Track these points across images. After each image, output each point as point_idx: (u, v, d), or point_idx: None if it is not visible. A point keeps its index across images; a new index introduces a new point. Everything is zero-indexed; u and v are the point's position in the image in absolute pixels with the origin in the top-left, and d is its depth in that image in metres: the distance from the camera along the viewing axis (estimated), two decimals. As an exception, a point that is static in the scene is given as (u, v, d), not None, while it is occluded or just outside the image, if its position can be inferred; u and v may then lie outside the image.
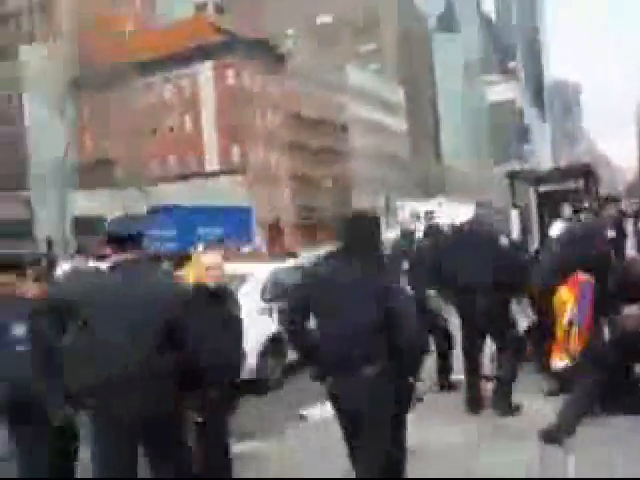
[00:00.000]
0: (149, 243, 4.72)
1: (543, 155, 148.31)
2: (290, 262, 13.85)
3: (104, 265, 3.87)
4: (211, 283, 4.84)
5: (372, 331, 3.92)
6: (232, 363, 4.89)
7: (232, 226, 19.61)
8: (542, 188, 20.63)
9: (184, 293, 3.95)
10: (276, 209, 54.79)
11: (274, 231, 46.47)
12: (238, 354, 5.01)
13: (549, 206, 13.83)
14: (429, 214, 16.79)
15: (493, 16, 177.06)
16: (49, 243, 37.23)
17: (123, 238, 3.70)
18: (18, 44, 44.98)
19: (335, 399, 4.16)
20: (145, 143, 59.81)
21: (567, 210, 10.29)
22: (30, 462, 4.42)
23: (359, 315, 3.95)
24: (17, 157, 43.97)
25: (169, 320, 3.60)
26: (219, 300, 4.90)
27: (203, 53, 61.70)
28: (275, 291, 10.31)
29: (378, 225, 4.38)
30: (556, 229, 8.46)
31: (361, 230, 4.18)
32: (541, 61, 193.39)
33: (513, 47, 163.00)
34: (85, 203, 42.76)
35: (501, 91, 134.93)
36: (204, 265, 4.89)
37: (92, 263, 9.12)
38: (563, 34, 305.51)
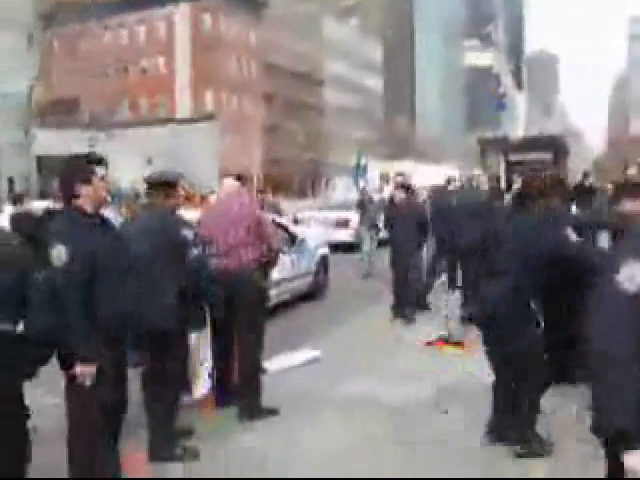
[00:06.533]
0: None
1: (517, 124, 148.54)
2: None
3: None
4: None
5: None
6: None
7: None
8: (512, 157, 20.69)
9: None
10: (245, 160, 54.08)
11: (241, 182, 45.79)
12: None
13: (518, 175, 13.70)
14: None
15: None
16: (10, 181, 36.36)
17: None
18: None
19: None
20: (115, 83, 58.46)
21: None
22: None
23: None
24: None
25: None
26: None
27: (180, -6, 60.21)
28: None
29: None
30: None
31: None
32: (521, 30, 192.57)
33: (495, 14, 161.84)
34: (49, 142, 41.62)
35: (480, 56, 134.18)
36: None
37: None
38: (545, 4, 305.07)
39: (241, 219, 5.70)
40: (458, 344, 7.96)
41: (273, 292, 8.48)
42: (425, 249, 11.48)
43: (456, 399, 6.03)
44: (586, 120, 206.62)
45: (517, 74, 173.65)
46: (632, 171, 12.91)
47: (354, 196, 20.93)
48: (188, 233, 4.93)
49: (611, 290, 2.38)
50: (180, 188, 5.10)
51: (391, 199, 10.46)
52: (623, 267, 2.38)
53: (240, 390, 5.71)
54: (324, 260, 12.06)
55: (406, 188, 10.19)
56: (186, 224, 5.07)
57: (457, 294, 10.43)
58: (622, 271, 2.37)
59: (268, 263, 5.94)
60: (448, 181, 12.52)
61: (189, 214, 6.66)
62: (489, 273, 4.92)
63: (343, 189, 48.78)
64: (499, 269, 4.79)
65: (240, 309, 5.62)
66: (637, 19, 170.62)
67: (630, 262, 2.38)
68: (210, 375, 5.93)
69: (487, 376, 5.19)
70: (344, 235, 18.57)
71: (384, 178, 12.97)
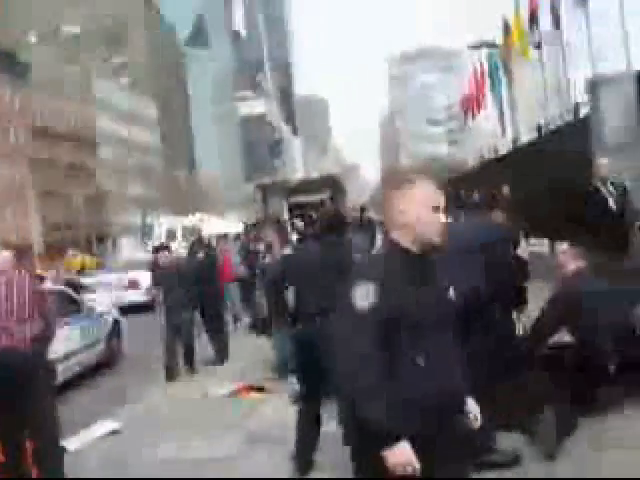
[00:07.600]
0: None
1: (296, 168, 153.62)
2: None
3: None
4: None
5: None
6: None
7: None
8: (293, 199, 21.41)
9: None
10: (22, 229, 51.25)
11: (21, 253, 43.31)
12: None
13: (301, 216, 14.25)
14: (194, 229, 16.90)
15: (242, 31, 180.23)
16: None
17: None
18: None
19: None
20: None
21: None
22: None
23: None
24: None
25: None
26: None
27: None
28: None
29: None
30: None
31: None
32: (290, 75, 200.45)
33: (262, 61, 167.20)
34: None
35: (252, 106, 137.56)
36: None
37: None
38: (311, 52, 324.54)
39: (15, 294, 5.38)
40: (260, 389, 8.06)
41: (61, 367, 8.04)
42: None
43: (265, 443, 6.04)
44: (360, 154, 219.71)
45: (291, 119, 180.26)
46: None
47: (142, 255, 20.60)
48: None
49: (351, 309, 2.57)
50: None
51: (155, 261, 10.44)
52: (357, 287, 2.58)
53: (42, 475, 5.27)
54: (116, 325, 11.67)
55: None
56: None
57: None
58: (356, 290, 2.58)
59: (44, 338, 5.58)
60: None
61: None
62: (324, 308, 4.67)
63: (130, 248, 47.67)
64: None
65: (26, 391, 5.23)
66: (393, 61, 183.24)
67: (361, 282, 2.59)
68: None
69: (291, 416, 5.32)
70: (135, 296, 18.13)
71: (171, 234, 12.83)
